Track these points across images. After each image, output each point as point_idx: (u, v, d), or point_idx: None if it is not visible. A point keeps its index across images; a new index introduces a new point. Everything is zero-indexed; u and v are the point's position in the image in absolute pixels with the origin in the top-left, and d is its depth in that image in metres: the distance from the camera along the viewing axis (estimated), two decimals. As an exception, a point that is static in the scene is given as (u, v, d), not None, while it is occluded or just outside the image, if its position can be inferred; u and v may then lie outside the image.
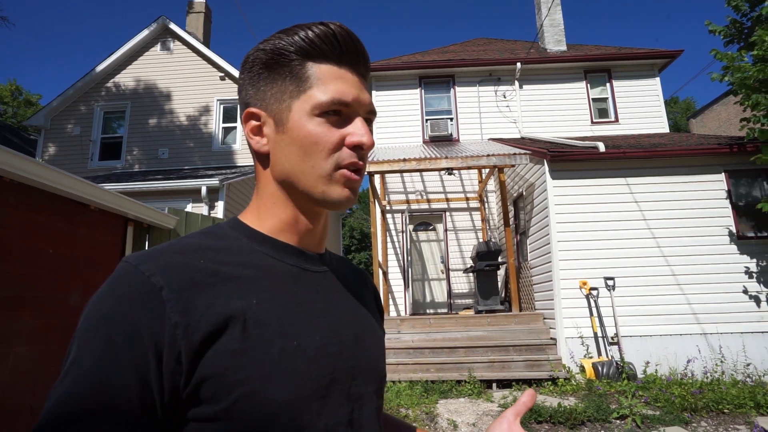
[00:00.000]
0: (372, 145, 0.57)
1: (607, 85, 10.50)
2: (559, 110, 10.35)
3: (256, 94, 0.59)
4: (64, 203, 2.59)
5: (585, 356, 6.16)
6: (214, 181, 7.53)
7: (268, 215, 0.60)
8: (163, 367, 0.45)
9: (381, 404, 0.63)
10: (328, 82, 0.56)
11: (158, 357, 0.45)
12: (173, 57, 10.92)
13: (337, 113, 0.56)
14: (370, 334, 0.64)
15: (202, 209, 7.57)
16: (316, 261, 0.61)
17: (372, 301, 0.73)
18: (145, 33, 10.81)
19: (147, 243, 3.49)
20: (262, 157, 0.60)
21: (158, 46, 10.98)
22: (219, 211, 7.64)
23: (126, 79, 10.84)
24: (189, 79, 10.80)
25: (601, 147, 6.67)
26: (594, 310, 6.31)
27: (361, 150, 0.57)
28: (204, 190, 7.48)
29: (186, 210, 7.26)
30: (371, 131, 0.61)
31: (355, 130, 0.57)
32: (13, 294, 2.19)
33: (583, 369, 5.98)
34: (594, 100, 10.46)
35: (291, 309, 0.54)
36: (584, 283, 6.40)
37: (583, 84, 10.48)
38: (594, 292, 6.36)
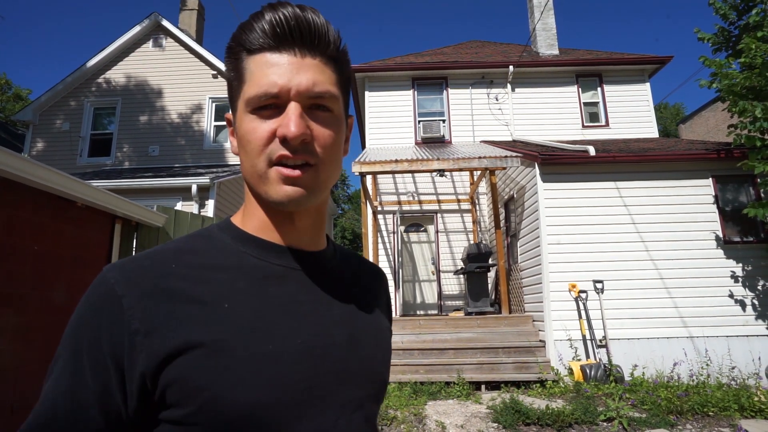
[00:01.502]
0: (297, 134, 0.50)
1: (598, 89, 10.60)
2: (551, 114, 10.43)
3: (228, 96, 0.59)
4: (51, 199, 2.55)
5: (573, 359, 6.21)
6: (205, 180, 7.48)
7: (250, 215, 0.59)
8: (124, 373, 0.46)
9: (376, 411, 0.60)
10: (258, 74, 0.52)
11: (118, 363, 0.46)
12: (165, 54, 10.83)
13: (270, 106, 0.52)
14: (369, 335, 0.60)
15: (192, 207, 7.50)
16: (307, 259, 0.59)
17: (379, 300, 0.69)
18: (137, 29, 10.71)
19: (135, 241, 3.45)
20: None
21: (150, 43, 10.88)
22: (209, 209, 7.58)
23: (117, 75, 10.73)
24: (181, 76, 10.72)
25: (592, 151, 6.73)
26: (583, 312, 6.36)
27: (287, 143, 0.51)
28: (194, 188, 7.41)
29: (176, 208, 7.20)
30: (324, 117, 0.54)
31: (282, 121, 0.51)
32: (-5, 291, 2.16)
33: (571, 371, 6.02)
34: (585, 104, 10.55)
35: (269, 311, 0.52)
36: (573, 286, 6.44)
37: (574, 88, 10.57)
38: (583, 295, 6.40)
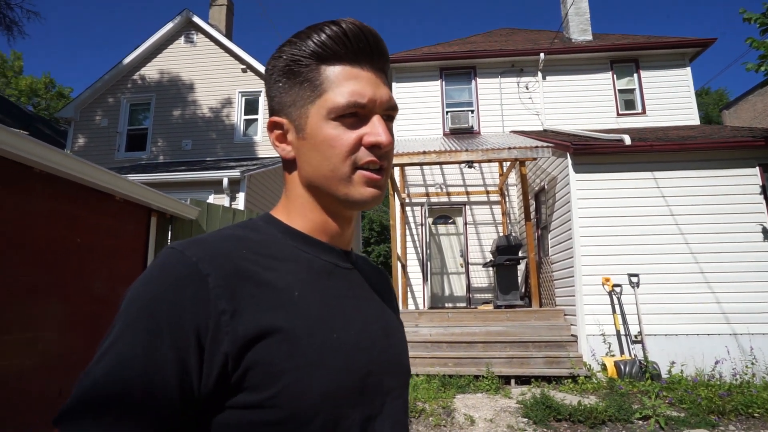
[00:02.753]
0: (389, 143, 0.56)
1: (635, 75, 10.17)
2: (584, 102, 10.09)
3: (278, 102, 0.60)
4: (90, 193, 2.64)
5: (607, 354, 6.04)
6: (236, 173, 7.62)
7: (298, 215, 0.61)
8: (204, 354, 0.45)
9: (407, 398, 0.64)
10: (341, 84, 0.56)
11: (199, 343, 0.45)
12: (196, 49, 11.05)
13: (354, 115, 0.56)
14: (395, 330, 0.65)
15: (223, 200, 7.67)
16: (345, 258, 0.63)
17: (393, 299, 0.74)
18: (169, 26, 10.96)
19: (170, 233, 3.55)
20: (288, 163, 0.62)
21: (182, 39, 11.12)
22: (240, 202, 7.73)
23: (151, 71, 11.04)
24: (212, 71, 10.92)
25: (627, 140, 6.48)
26: (617, 307, 6.18)
27: (378, 149, 0.56)
28: (225, 181, 7.57)
29: (208, 201, 7.38)
30: (391, 128, 0.61)
31: (372, 130, 0.56)
32: (40, 281, 2.26)
33: (604, 367, 5.87)
34: (620, 91, 10.15)
35: (328, 302, 0.55)
36: (607, 280, 6.26)
37: (609, 75, 10.18)
38: (617, 289, 6.21)
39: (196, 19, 10.94)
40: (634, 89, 10.14)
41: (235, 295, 0.48)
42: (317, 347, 0.51)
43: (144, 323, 0.45)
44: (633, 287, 6.18)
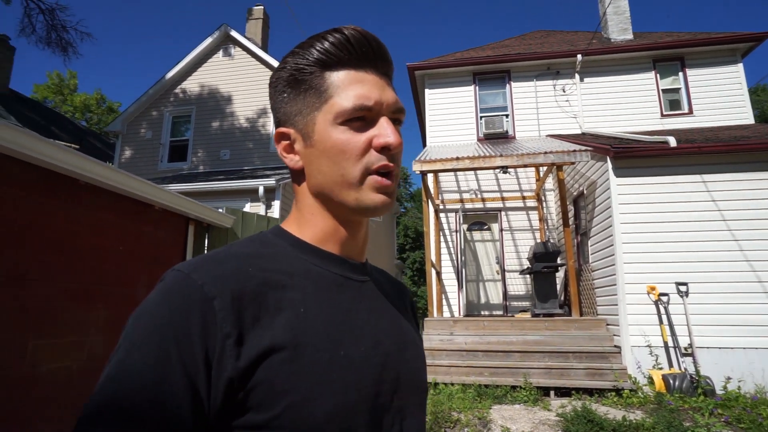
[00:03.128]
0: (399, 144, 0.56)
1: (680, 74, 9.71)
2: (625, 103, 9.71)
3: (284, 113, 0.60)
4: (132, 203, 2.76)
5: (654, 367, 5.73)
6: (271, 181, 7.79)
7: (308, 225, 0.60)
8: (212, 376, 0.45)
9: (423, 418, 0.61)
10: (347, 88, 0.55)
11: (208, 366, 0.45)
12: (234, 62, 11.42)
13: (361, 119, 0.56)
14: (411, 345, 0.63)
15: (260, 208, 7.85)
16: (358, 270, 0.61)
17: (410, 313, 0.72)
18: (208, 41, 11.39)
19: (207, 240, 3.65)
20: (297, 173, 0.61)
21: (220, 53, 11.53)
22: (275, 210, 7.89)
23: (192, 84, 11.49)
24: (249, 82, 11.25)
25: (672, 142, 6.17)
26: (664, 317, 5.86)
27: (389, 151, 0.56)
28: (261, 189, 7.75)
29: (244, 209, 7.56)
30: (399, 130, 0.59)
31: (381, 132, 0.55)
32: (86, 287, 2.36)
33: (651, 381, 5.56)
34: (664, 91, 9.71)
35: (337, 318, 0.54)
36: (652, 288, 5.95)
37: (651, 74, 9.77)
38: (664, 298, 5.89)
39: (234, 33, 11.32)
40: (679, 89, 9.68)
41: (240, 318, 0.47)
42: (323, 365, 0.49)
43: (153, 346, 0.44)
44: (681, 296, 5.85)
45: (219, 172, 10.30)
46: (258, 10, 12.77)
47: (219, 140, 11.02)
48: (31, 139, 2.03)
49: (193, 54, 11.43)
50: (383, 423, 0.53)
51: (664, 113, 9.56)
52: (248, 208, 7.90)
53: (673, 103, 9.67)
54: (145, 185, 2.74)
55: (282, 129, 0.60)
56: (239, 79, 11.30)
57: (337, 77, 0.56)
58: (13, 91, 13.93)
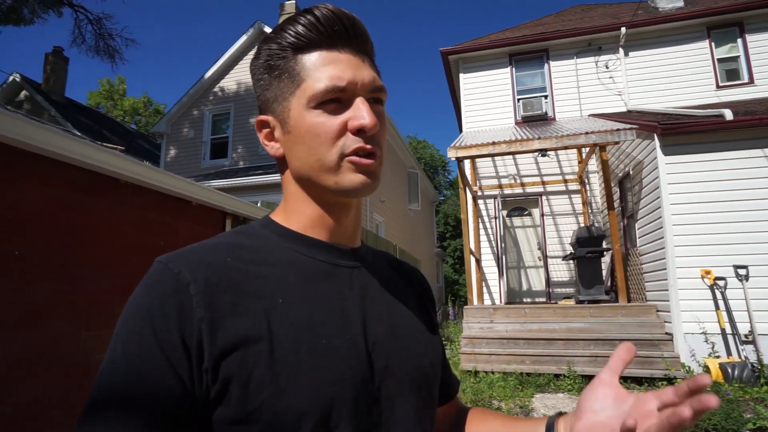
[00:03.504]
0: (374, 125, 0.52)
1: (738, 41, 8.98)
2: (674, 77, 9.11)
3: (263, 100, 0.59)
4: (171, 200, 2.87)
5: (710, 355, 5.42)
6: (308, 174, 7.90)
7: (294, 213, 0.59)
8: (192, 361, 0.45)
9: (422, 404, 0.58)
10: (319, 69, 0.53)
11: (187, 351, 0.45)
12: (269, 59, 11.61)
13: (335, 100, 0.53)
14: (407, 330, 0.61)
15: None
16: (349, 256, 0.60)
17: (415, 295, 0.69)
18: (243, 38, 11.63)
19: (245, 234, 3.75)
20: (280, 161, 0.60)
21: (255, 50, 11.75)
22: (313, 202, 8.00)
23: (229, 83, 11.80)
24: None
25: (728, 114, 5.74)
26: (720, 303, 5.51)
27: (364, 133, 0.53)
28: (298, 182, 7.88)
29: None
30: (380, 111, 0.57)
31: (355, 113, 0.53)
32: (130, 282, 2.50)
33: (707, 369, 5.27)
34: (720, 60, 9.02)
35: (320, 306, 0.53)
36: (707, 272, 5.60)
37: (705, 43, 9.09)
38: (720, 283, 5.54)
39: (267, 30, 11.49)
40: (737, 57, 8.96)
41: (213, 305, 0.47)
42: (302, 356, 0.48)
43: (135, 336, 0.46)
44: (741, 280, 5.47)
45: (258, 167, 10.57)
46: (290, 4, 12.87)
47: (257, 136, 11.28)
48: (73, 142, 2.15)
49: (229, 52, 11.72)
50: (371, 412, 0.51)
51: (720, 84, 8.90)
52: (286, 201, 8.08)
53: (730, 73, 8.98)
54: (182, 182, 2.84)
55: (262, 117, 0.59)
56: (274, 74, 11.47)
57: (309, 60, 0.54)
58: (69, 99, 14.86)
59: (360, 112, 0.53)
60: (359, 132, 0.53)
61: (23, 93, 13.43)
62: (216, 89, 11.87)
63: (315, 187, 0.57)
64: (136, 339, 0.46)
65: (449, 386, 0.74)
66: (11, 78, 13.22)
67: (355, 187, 0.54)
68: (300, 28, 0.54)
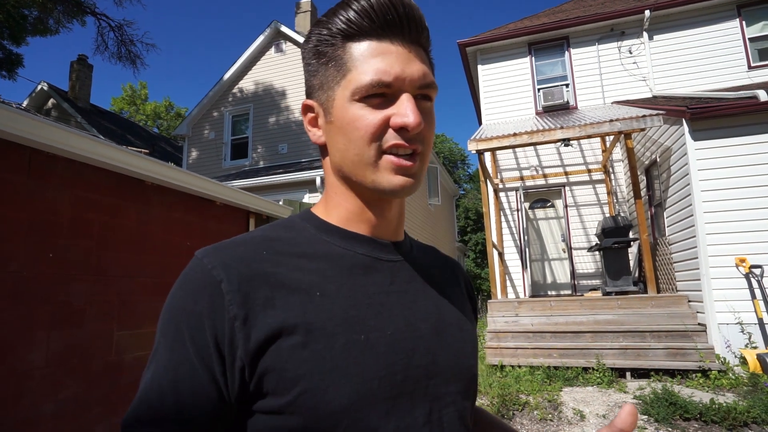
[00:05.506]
0: (417, 124, 0.50)
1: (771, 18, 8.58)
2: (702, 59, 8.77)
3: (310, 85, 0.58)
4: (196, 201, 2.92)
5: (747, 346, 5.23)
6: (327, 171, 7.94)
7: (334, 206, 0.58)
8: (225, 359, 0.45)
9: (468, 406, 0.57)
10: (366, 61, 0.51)
11: (218, 349, 0.46)
12: (286, 57, 11.69)
13: (380, 95, 0.51)
14: (453, 327, 0.59)
15: (317, 198, 8.06)
16: (390, 249, 0.58)
17: (460, 292, 0.68)
18: (260, 39, 11.73)
19: (268, 232, 3.79)
20: (322, 149, 0.59)
21: (272, 50, 11.84)
22: (333, 199, 8.04)
23: (248, 83, 11.93)
24: (301, 76, 11.48)
25: (762, 95, 5.50)
26: (757, 291, 5.31)
27: (407, 132, 0.51)
28: (318, 180, 7.93)
29: (303, 200, 7.79)
30: (428, 108, 0.54)
31: (399, 110, 0.51)
32: (158, 281, 2.55)
33: (744, 361, 5.09)
34: (752, 39, 8.64)
35: (359, 301, 0.51)
36: (742, 260, 5.41)
37: (735, 22, 8.72)
38: (756, 271, 5.34)
39: (284, 29, 11.56)
40: (770, 34, 8.57)
41: (247, 300, 0.47)
42: (339, 350, 0.47)
43: (171, 335, 0.47)
44: (777, 268, 5.26)
45: (278, 165, 10.67)
46: (306, 2, 12.94)
47: (276, 135, 11.39)
48: (101, 146, 2.20)
49: (247, 53, 11.83)
50: (415, 411, 0.50)
51: (752, 65, 8.53)
52: (307, 198, 8.13)
53: (763, 52, 8.59)
54: (206, 182, 2.89)
55: (307, 101, 0.59)
56: (292, 73, 11.55)
57: (358, 49, 0.52)
58: (94, 105, 15.28)
59: (404, 110, 0.51)
60: (401, 130, 0.51)
61: (51, 101, 13.88)
62: (235, 90, 12.02)
63: (354, 182, 0.55)
64: (172, 334, 0.47)
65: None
66: (39, 87, 13.67)
67: (393, 189, 0.52)
68: (352, 14, 0.52)
